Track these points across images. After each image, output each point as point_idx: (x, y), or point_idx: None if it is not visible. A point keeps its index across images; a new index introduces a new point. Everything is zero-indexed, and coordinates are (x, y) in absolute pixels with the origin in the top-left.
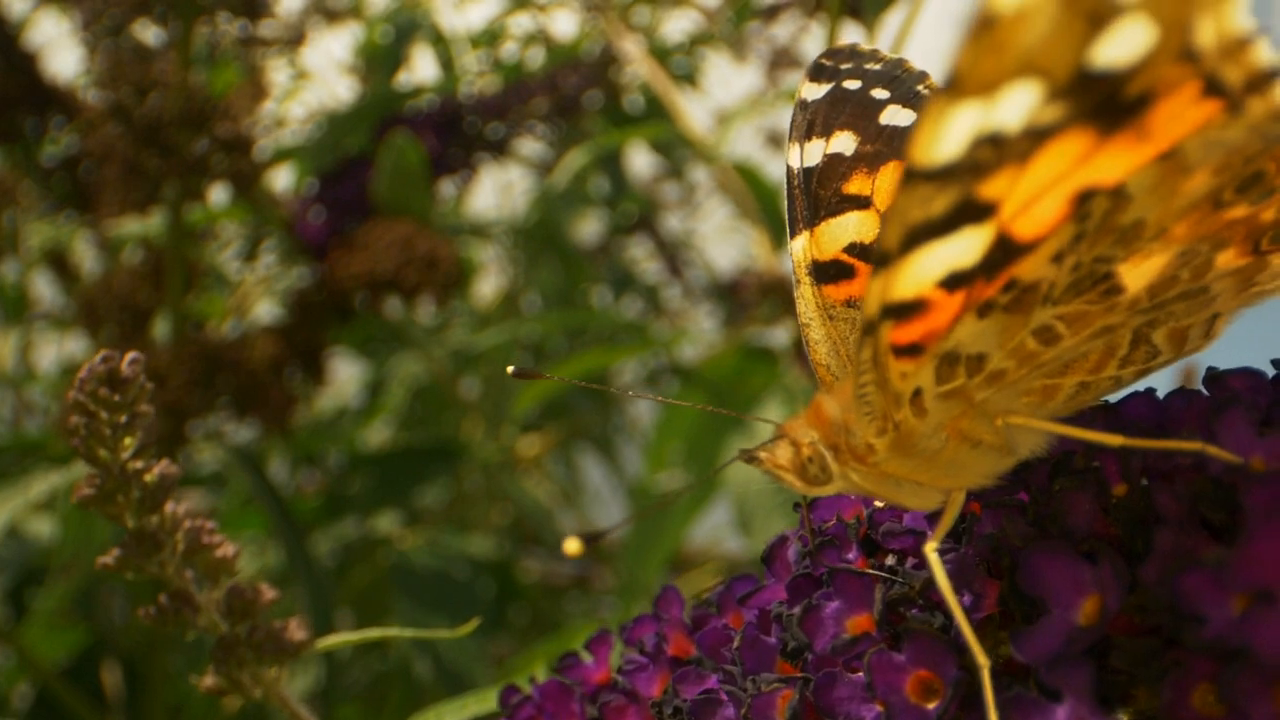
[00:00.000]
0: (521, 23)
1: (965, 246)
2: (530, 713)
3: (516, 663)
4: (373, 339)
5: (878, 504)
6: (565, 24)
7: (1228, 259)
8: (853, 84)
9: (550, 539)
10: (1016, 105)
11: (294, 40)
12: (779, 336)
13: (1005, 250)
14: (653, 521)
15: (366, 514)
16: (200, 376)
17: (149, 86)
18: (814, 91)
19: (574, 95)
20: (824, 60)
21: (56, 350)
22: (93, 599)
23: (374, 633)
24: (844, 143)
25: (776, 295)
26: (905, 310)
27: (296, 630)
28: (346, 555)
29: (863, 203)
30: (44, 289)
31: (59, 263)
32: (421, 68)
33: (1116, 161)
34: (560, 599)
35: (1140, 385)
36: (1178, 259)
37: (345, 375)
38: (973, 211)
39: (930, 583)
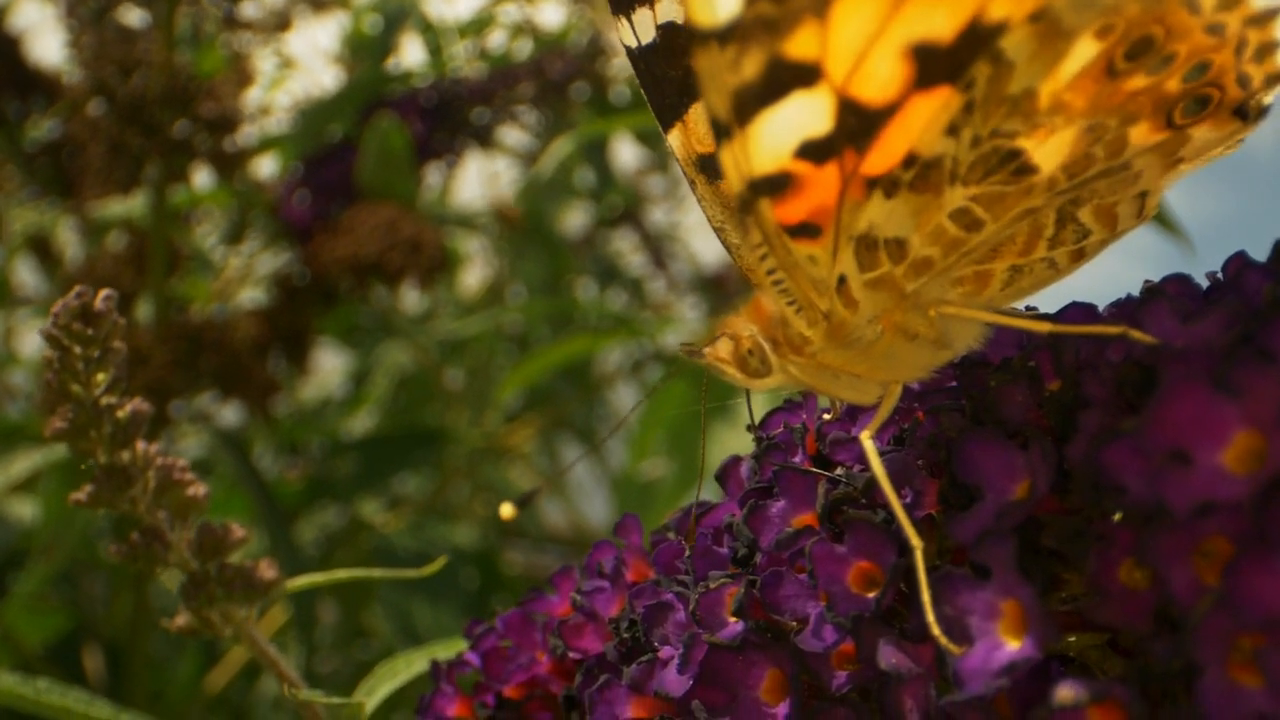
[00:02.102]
0: (509, 13)
1: (807, 113)
2: (494, 642)
3: None
4: (357, 329)
5: (826, 417)
6: (553, 14)
7: (1141, 134)
8: None
9: (534, 530)
10: None
11: (280, 26)
12: None
13: (858, 115)
14: (637, 507)
15: (350, 500)
16: (183, 358)
17: (132, 66)
18: None
19: (560, 82)
20: None
21: (39, 336)
22: (74, 583)
23: (342, 573)
24: (669, 8)
25: None
26: (773, 185)
27: (267, 569)
28: (329, 542)
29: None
30: (26, 275)
31: (42, 248)
32: (408, 57)
33: (939, 15)
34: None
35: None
36: (1086, 134)
37: (330, 365)
38: (791, 74)
39: (872, 483)
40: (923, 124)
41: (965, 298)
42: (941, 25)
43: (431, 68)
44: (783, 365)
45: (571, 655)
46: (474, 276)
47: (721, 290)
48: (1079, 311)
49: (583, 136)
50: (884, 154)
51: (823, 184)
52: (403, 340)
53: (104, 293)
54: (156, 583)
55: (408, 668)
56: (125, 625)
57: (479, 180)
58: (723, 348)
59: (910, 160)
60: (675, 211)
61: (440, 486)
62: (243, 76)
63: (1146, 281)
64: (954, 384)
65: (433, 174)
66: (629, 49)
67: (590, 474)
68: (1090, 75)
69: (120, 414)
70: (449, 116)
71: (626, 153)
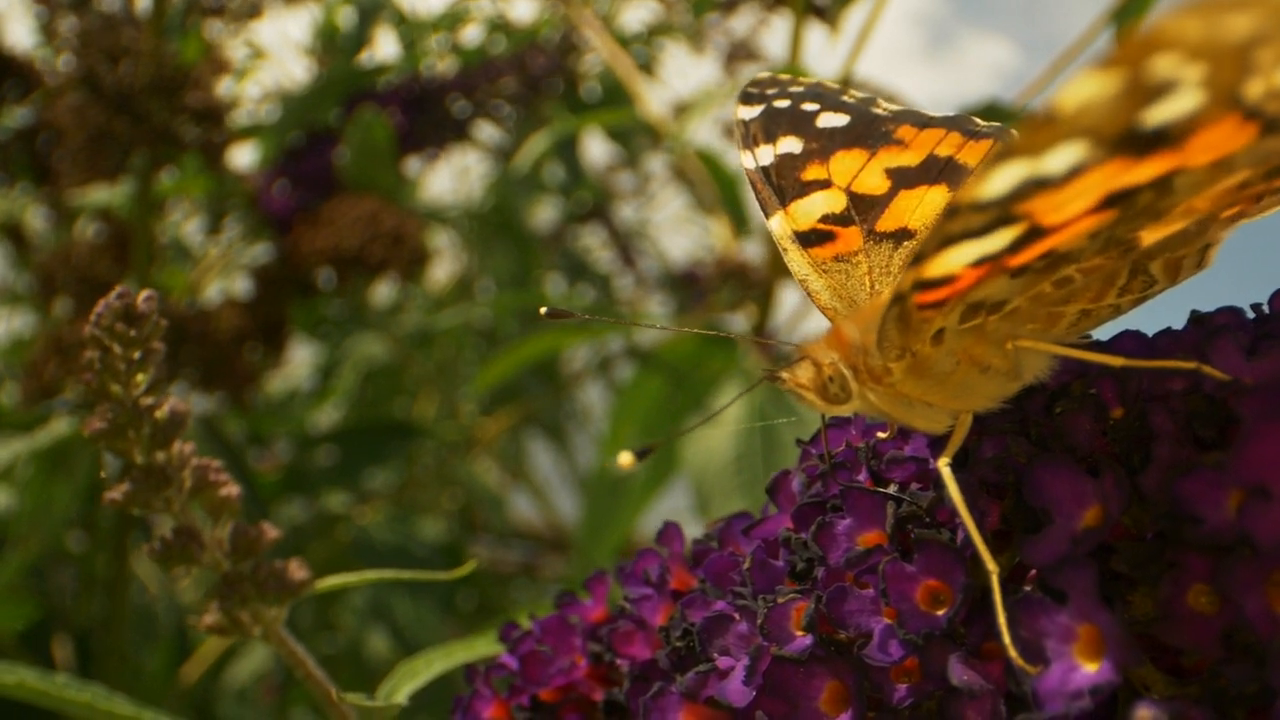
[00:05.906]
0: (482, 7)
1: (996, 240)
2: (530, 647)
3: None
4: (324, 322)
5: (880, 435)
6: (526, 9)
7: (1230, 211)
8: (782, 103)
9: (498, 525)
10: (1062, 158)
11: (251, 14)
12: (738, 322)
13: (1033, 235)
14: (607, 504)
15: (324, 492)
16: (166, 348)
17: (120, 54)
18: (749, 112)
19: (541, 76)
20: (751, 88)
21: (6, 325)
22: (42, 573)
23: (372, 574)
24: (790, 145)
25: (737, 280)
26: (934, 284)
27: (298, 570)
28: (297, 536)
29: (824, 184)
30: None
31: (15, 234)
32: (381, 51)
33: (1147, 171)
34: (507, 585)
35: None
36: (1194, 222)
37: (298, 358)
38: (1008, 220)
39: (937, 501)
40: (1078, 233)
41: (1035, 334)
42: (1140, 176)
43: (406, 62)
44: (862, 393)
45: (619, 662)
46: (443, 270)
47: (690, 287)
48: (1131, 340)
49: (559, 133)
50: (1024, 254)
51: (969, 276)
52: (372, 333)
53: (145, 293)
54: (134, 577)
55: (427, 668)
56: (94, 616)
57: (450, 173)
58: (803, 373)
59: (1048, 255)
60: (644, 208)
61: (409, 480)
62: (217, 65)
63: (1193, 311)
64: (1011, 406)
65: (413, 165)
66: (747, 167)
67: (556, 471)
68: (1230, 190)
69: (159, 414)
70: (431, 109)
71: (596, 149)
